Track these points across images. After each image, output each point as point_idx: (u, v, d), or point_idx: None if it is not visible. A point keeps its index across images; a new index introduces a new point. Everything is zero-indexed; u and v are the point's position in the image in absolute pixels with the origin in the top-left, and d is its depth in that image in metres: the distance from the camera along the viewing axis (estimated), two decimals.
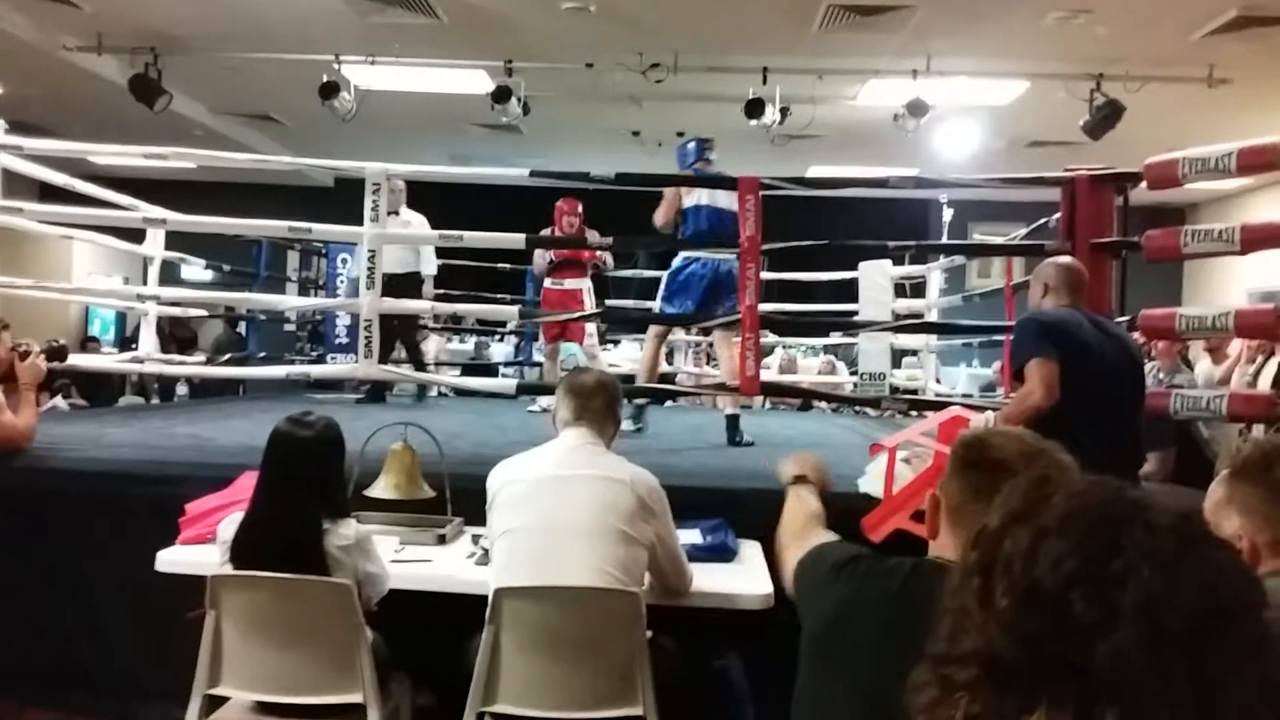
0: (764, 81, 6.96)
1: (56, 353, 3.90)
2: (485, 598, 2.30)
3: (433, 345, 8.79)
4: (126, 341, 9.99)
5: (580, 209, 6.04)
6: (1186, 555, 0.68)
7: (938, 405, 3.93)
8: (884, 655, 1.31)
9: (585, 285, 6.19)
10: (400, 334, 6.19)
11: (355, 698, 2.30)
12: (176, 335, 9.15)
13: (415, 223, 5.97)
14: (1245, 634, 0.67)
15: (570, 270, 6.17)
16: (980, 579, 0.72)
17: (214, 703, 2.38)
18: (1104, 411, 2.84)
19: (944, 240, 8.81)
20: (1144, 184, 3.94)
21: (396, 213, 5.89)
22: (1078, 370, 2.79)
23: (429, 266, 6.28)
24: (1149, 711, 0.63)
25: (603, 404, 2.54)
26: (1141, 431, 3.06)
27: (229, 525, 2.40)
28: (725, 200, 4.67)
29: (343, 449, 2.48)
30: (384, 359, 5.93)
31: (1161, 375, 5.77)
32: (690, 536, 2.81)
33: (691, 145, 5.07)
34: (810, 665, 1.63)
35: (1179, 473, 4.80)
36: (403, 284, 5.73)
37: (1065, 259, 3.30)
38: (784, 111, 7.25)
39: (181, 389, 8.47)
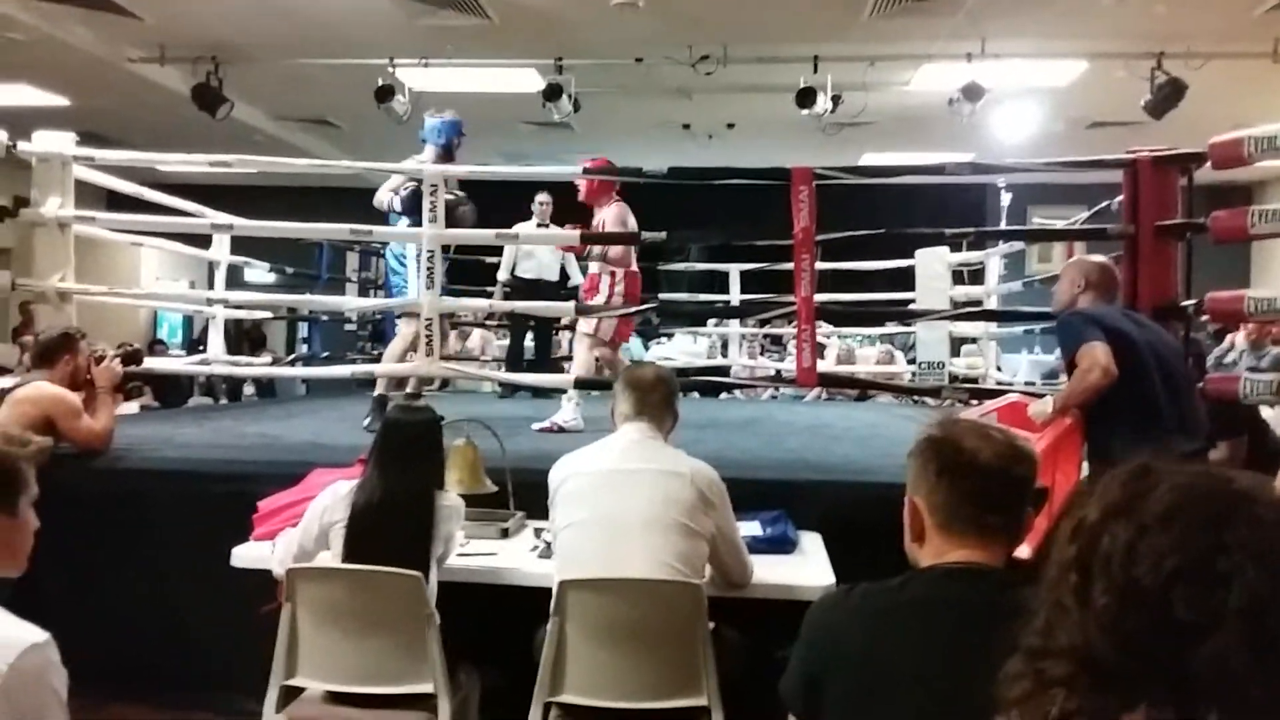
0: (815, 70, 6.90)
1: (131, 357, 4.01)
2: (549, 590, 2.34)
3: (477, 341, 8.85)
4: (193, 344, 10.24)
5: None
6: None
7: (999, 394, 3.88)
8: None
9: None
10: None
11: (426, 687, 2.36)
12: (251, 336, 9.37)
13: None
14: None
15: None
16: (1078, 575, 0.71)
17: (289, 693, 2.45)
18: (1157, 398, 2.85)
19: (1003, 224, 8.68)
20: (1208, 164, 3.86)
21: None
22: (1125, 360, 2.79)
23: None
24: (1251, 716, 0.61)
25: (661, 398, 2.58)
26: (1200, 416, 3.03)
27: (343, 485, 2.52)
28: None
29: (442, 432, 2.66)
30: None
31: (1247, 356, 5.63)
32: (750, 529, 2.83)
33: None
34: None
35: (1251, 459, 4.68)
36: None
37: (1100, 258, 3.31)
38: (836, 100, 7.19)
39: (248, 389, 8.68)
